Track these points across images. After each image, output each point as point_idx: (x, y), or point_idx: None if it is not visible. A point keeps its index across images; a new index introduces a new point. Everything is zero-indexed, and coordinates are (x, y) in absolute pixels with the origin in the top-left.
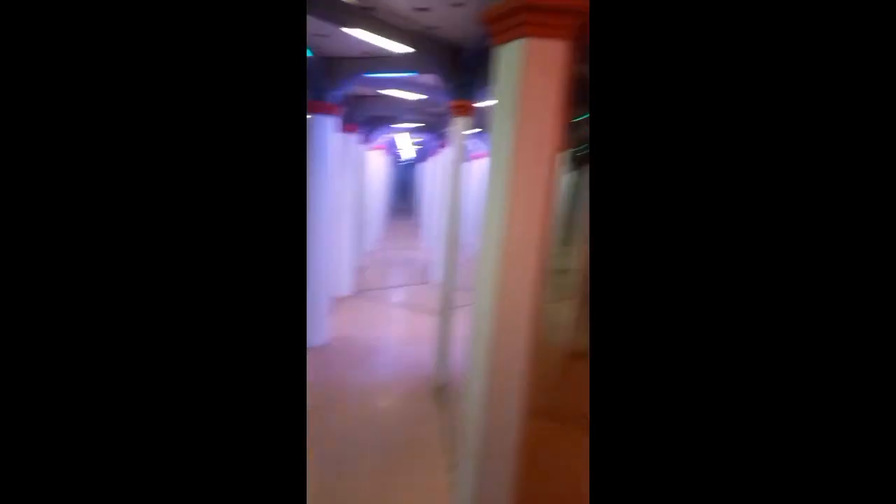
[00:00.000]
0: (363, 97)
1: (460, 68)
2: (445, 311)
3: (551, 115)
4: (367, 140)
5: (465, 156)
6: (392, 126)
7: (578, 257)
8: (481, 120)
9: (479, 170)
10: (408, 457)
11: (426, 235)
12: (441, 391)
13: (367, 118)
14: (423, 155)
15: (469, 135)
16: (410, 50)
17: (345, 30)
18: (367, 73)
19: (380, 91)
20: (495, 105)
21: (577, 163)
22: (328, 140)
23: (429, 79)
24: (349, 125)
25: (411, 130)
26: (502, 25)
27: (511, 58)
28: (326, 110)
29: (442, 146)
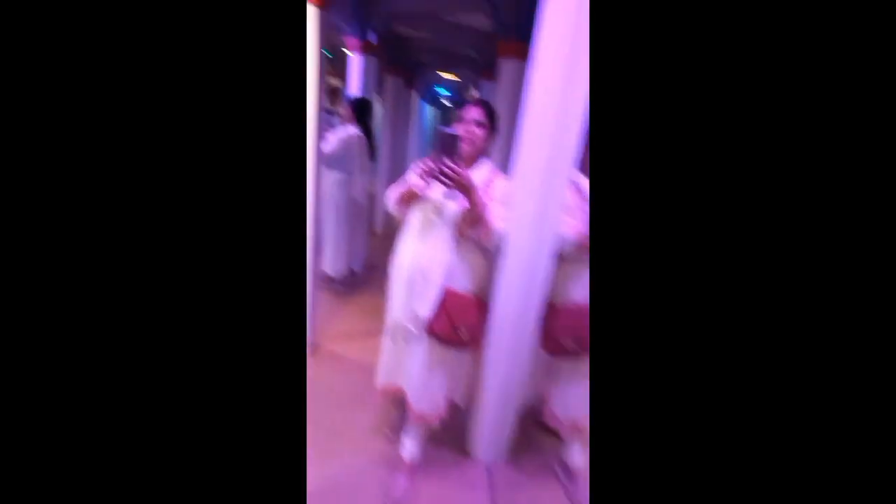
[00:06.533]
0: (402, 38)
1: (515, 5)
2: None
3: None
4: (409, 86)
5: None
6: (434, 71)
7: None
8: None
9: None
10: None
11: None
12: None
13: (408, 62)
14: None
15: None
16: None
17: None
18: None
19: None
20: None
21: None
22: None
23: (472, 21)
24: (390, 68)
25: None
26: None
27: None
28: (366, 49)
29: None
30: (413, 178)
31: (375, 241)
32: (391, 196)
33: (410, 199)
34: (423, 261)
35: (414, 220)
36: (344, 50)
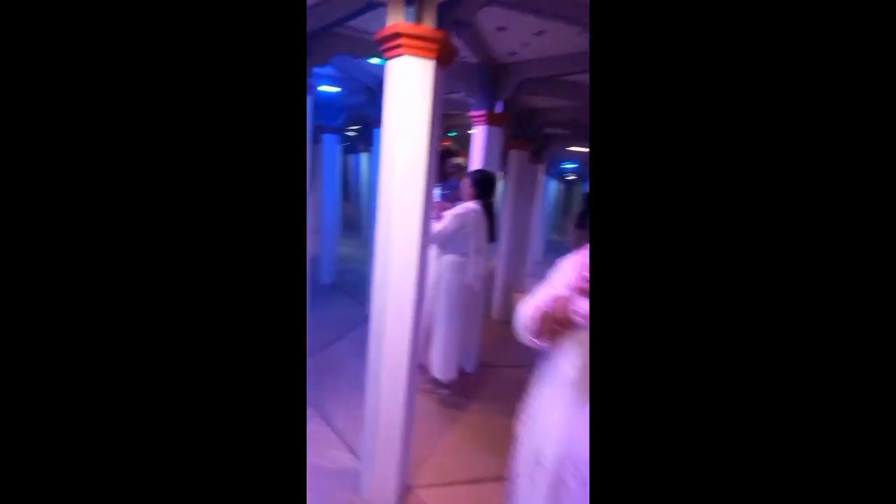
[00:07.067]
0: (530, 109)
1: None
2: None
3: None
4: (534, 160)
5: None
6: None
7: None
8: None
9: None
10: None
11: None
12: None
13: (535, 135)
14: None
15: None
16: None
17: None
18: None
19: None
20: None
21: None
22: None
23: None
24: (515, 142)
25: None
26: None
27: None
28: (491, 120)
29: None
30: (561, 286)
31: (490, 327)
32: (525, 316)
33: (558, 326)
34: (579, 447)
35: (564, 366)
36: (470, 125)
